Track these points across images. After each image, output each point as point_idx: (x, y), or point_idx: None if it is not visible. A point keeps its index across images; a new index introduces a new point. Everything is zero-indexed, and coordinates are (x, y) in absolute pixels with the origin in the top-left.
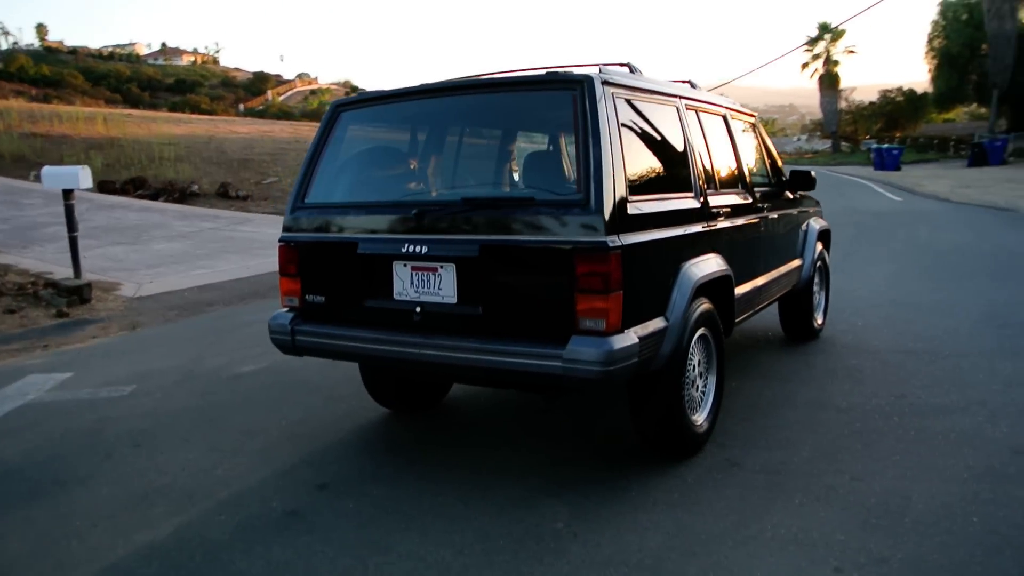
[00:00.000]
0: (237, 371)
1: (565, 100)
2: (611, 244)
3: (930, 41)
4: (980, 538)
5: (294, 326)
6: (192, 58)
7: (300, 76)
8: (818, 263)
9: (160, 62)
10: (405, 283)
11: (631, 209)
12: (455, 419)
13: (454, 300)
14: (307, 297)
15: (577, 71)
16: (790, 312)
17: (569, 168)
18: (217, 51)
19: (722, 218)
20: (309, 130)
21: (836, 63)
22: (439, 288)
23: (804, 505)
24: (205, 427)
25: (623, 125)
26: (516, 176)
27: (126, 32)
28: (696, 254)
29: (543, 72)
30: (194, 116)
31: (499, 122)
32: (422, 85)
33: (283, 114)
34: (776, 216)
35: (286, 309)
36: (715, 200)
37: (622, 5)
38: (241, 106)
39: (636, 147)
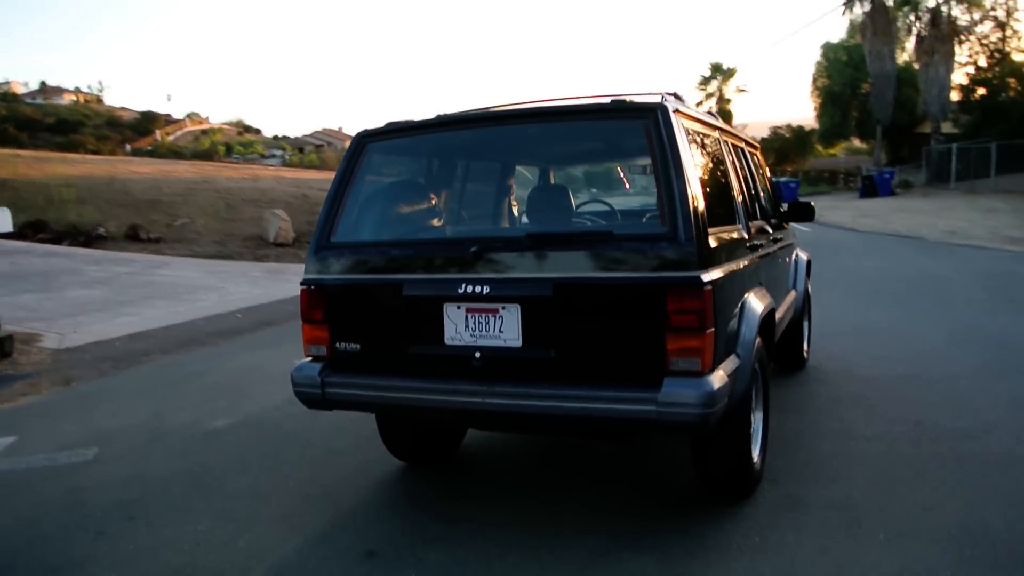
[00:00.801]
0: (210, 427)
1: (636, 129)
2: (704, 279)
3: (814, 80)
4: None
5: (324, 377)
6: (74, 97)
7: (190, 116)
8: (805, 293)
9: (39, 101)
10: (459, 327)
11: (711, 242)
12: (477, 470)
13: (518, 344)
14: (337, 345)
15: (632, 99)
16: (783, 342)
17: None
18: (101, 90)
19: (760, 249)
20: (214, 169)
21: (728, 101)
22: (500, 331)
23: (892, 542)
24: (203, 493)
25: (691, 155)
26: (574, 208)
27: None
28: (751, 287)
29: (607, 100)
30: (88, 156)
31: (556, 153)
32: (460, 114)
33: (174, 154)
34: (782, 247)
35: (309, 359)
36: (752, 231)
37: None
38: (128, 146)
39: (699, 178)
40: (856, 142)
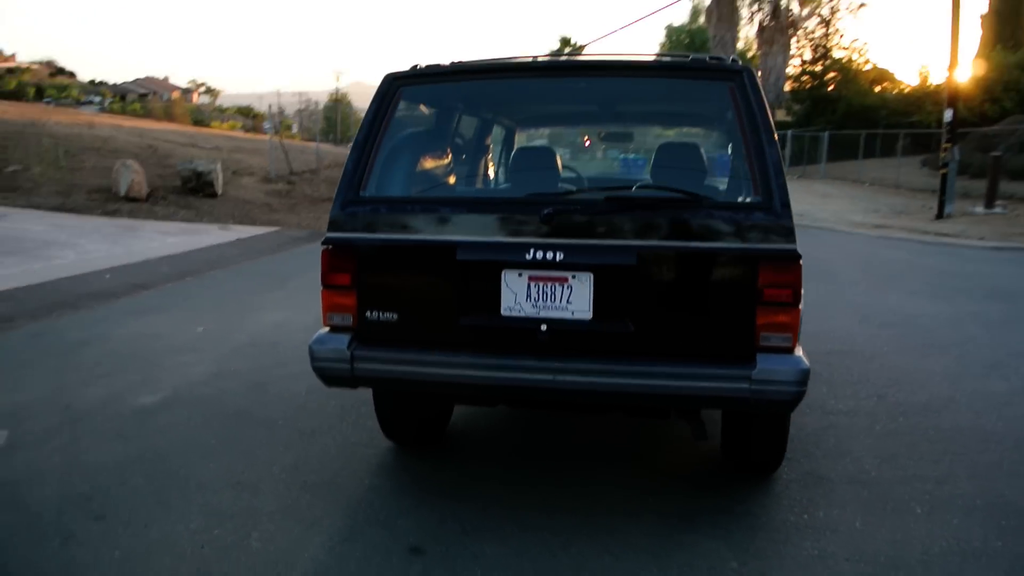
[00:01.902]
0: (136, 404)
1: (721, 91)
2: (799, 252)
3: None
4: None
5: (354, 351)
6: None
7: None
8: None
9: None
10: (519, 296)
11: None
12: (471, 451)
13: (588, 316)
14: (368, 314)
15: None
16: None
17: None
18: None
19: None
20: (40, 112)
21: None
22: (568, 302)
23: (931, 515)
24: (171, 484)
25: None
26: (648, 171)
27: None
28: None
29: (687, 57)
30: None
31: (633, 110)
32: (518, 61)
33: None
34: None
35: (327, 329)
36: None
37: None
38: None
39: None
40: None
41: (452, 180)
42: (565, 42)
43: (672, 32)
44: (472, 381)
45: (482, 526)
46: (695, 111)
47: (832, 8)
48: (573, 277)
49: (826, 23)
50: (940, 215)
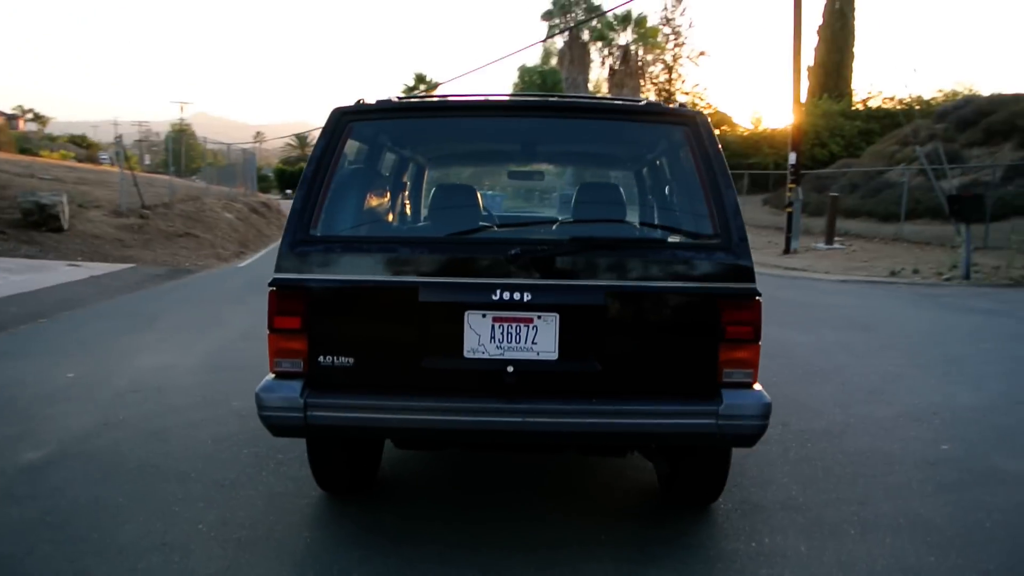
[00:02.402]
0: (22, 461)
1: (677, 135)
2: (758, 290)
3: None
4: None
5: (307, 399)
6: None
7: None
8: None
9: None
10: (482, 337)
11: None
12: (398, 494)
13: (554, 356)
14: (321, 359)
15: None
16: None
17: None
18: None
19: None
20: None
21: None
22: (533, 342)
23: (865, 536)
24: (87, 549)
25: None
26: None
27: None
28: None
29: (642, 102)
30: None
31: (579, 151)
32: (472, 99)
33: None
34: None
35: (273, 375)
36: None
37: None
38: None
39: None
40: None
41: (406, 219)
42: (420, 79)
43: (525, 72)
44: (438, 426)
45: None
46: (651, 153)
47: (674, 56)
48: (539, 318)
49: (669, 69)
50: (787, 250)
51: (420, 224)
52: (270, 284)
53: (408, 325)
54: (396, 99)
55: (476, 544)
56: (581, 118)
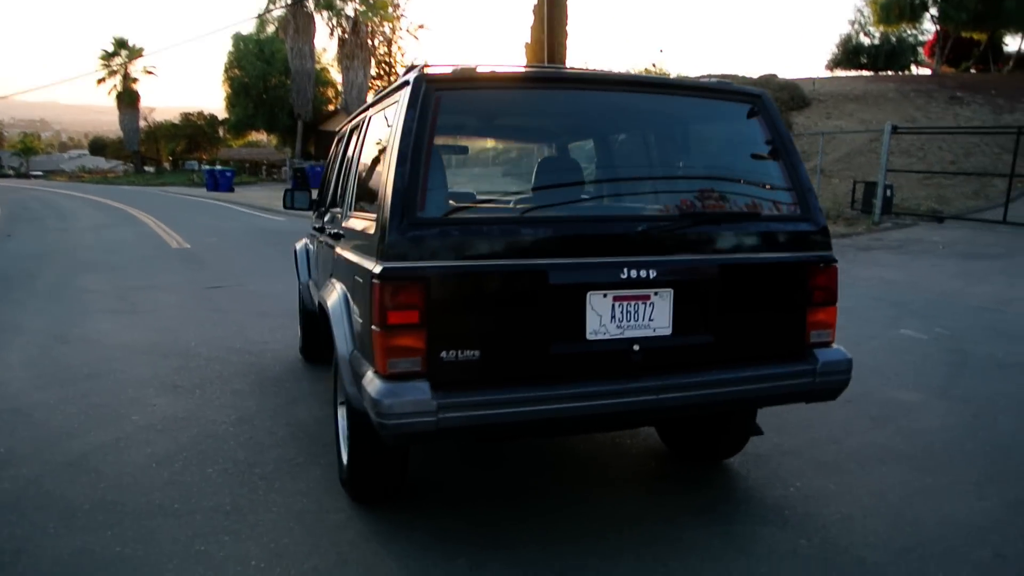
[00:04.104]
0: None
1: (749, 112)
2: (835, 256)
3: (227, 70)
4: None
5: (440, 400)
6: None
7: None
8: None
9: None
10: (603, 318)
11: None
12: (432, 496)
13: (669, 331)
14: (443, 355)
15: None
16: None
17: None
18: None
19: None
20: None
21: (135, 80)
22: (650, 319)
23: (864, 468)
24: None
25: None
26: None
27: None
28: None
29: (714, 80)
30: None
31: (661, 128)
32: (563, 71)
33: None
34: None
35: (390, 378)
36: None
37: None
38: None
39: None
40: (255, 135)
41: (508, 195)
42: (120, 44)
43: (240, 40)
44: (576, 413)
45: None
46: (726, 130)
47: (393, 28)
48: (655, 294)
49: (389, 42)
50: None
51: (530, 201)
52: (378, 276)
53: (535, 310)
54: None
55: (532, 541)
56: (665, 93)
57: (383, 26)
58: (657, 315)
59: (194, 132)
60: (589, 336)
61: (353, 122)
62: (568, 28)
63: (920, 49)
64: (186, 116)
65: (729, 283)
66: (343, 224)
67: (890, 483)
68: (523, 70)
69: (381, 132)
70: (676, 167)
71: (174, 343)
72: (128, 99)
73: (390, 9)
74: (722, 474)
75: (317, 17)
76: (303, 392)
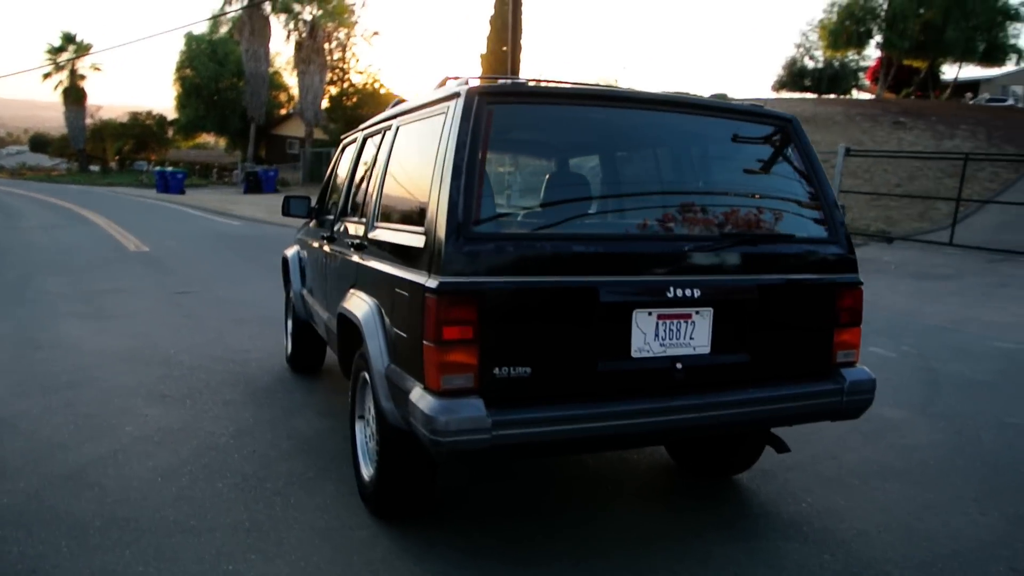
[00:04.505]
0: None
1: (778, 136)
2: (860, 279)
3: (178, 70)
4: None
5: (494, 417)
6: None
7: None
8: None
9: None
10: (647, 336)
11: None
12: (471, 514)
13: (708, 350)
14: (496, 372)
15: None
16: None
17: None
18: None
19: None
20: None
21: (83, 77)
22: (691, 337)
23: (868, 482)
24: None
25: None
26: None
27: None
28: None
29: (748, 104)
30: None
31: (708, 148)
32: (612, 89)
33: None
34: None
35: (443, 394)
36: None
37: None
38: None
39: None
40: (205, 136)
41: (558, 211)
42: (68, 39)
43: (192, 40)
44: (625, 431)
45: None
46: (757, 152)
47: (347, 34)
48: (697, 313)
49: (343, 47)
50: None
51: (579, 218)
52: (433, 291)
53: (584, 328)
54: (539, 85)
55: (564, 555)
56: (704, 115)
57: (338, 31)
58: (697, 334)
59: (142, 132)
60: (634, 354)
61: (369, 130)
62: (522, 41)
63: (861, 74)
64: (134, 115)
65: (765, 303)
66: (369, 235)
67: (894, 499)
68: (570, 87)
69: (422, 143)
70: (715, 187)
71: (153, 350)
72: (75, 96)
73: (347, 15)
74: (734, 489)
75: (273, 20)
76: (297, 404)
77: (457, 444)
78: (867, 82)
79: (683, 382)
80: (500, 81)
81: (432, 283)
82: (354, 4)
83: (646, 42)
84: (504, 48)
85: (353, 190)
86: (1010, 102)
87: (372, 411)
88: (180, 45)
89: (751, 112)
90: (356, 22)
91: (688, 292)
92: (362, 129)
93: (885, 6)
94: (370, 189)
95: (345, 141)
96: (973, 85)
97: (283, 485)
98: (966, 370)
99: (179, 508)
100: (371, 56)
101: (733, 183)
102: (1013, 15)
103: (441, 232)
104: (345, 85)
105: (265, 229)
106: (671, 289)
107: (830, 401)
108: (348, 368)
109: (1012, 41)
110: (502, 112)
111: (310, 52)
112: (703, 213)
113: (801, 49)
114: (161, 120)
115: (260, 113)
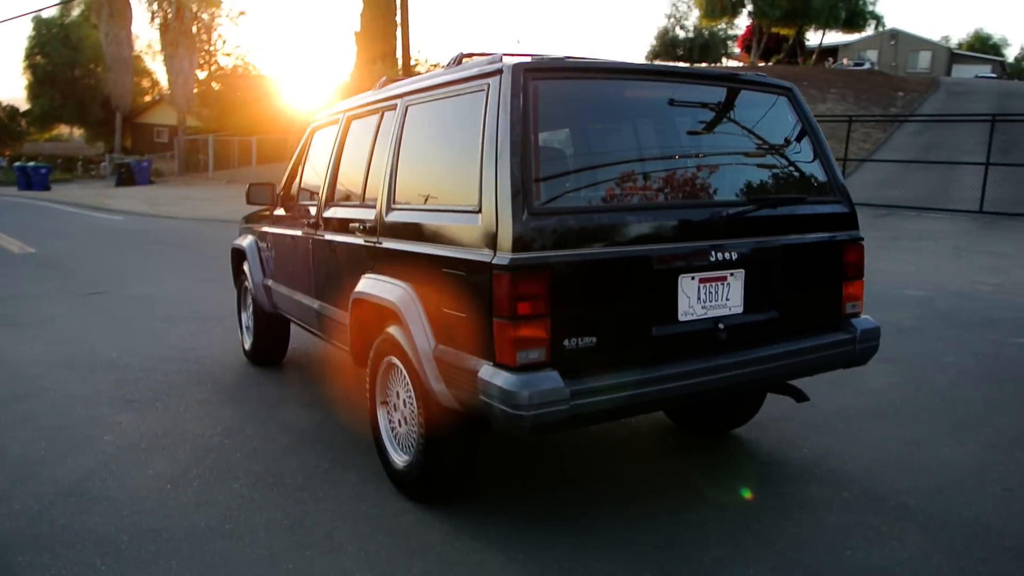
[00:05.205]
0: None
1: (782, 103)
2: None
3: (28, 57)
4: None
5: (572, 388)
6: None
7: None
8: None
9: None
10: (691, 299)
11: None
12: (509, 491)
13: (740, 309)
14: (566, 344)
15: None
16: None
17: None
18: None
19: None
20: None
21: None
22: (727, 299)
23: (851, 426)
24: None
25: None
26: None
27: None
28: None
29: (750, 73)
30: None
31: (728, 117)
32: (645, 65)
33: None
34: None
35: (520, 369)
36: None
37: None
38: None
39: None
40: (63, 128)
41: (605, 183)
42: None
43: (41, 25)
44: (682, 391)
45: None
46: (763, 119)
47: (211, 14)
48: (731, 275)
49: (208, 29)
50: None
51: (629, 189)
52: (504, 267)
53: (640, 295)
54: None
55: (626, 520)
56: (724, 85)
57: (203, 12)
58: (732, 294)
59: None
60: (681, 317)
61: (356, 111)
62: (397, 18)
63: (731, 43)
64: None
65: (787, 262)
66: (386, 219)
67: (880, 438)
68: (604, 62)
69: (454, 121)
70: (736, 154)
71: (92, 355)
72: None
73: None
74: (737, 443)
75: (134, 1)
76: (275, 397)
77: (540, 417)
78: (738, 50)
79: (725, 341)
80: (535, 56)
81: (502, 260)
82: None
83: (527, 13)
84: (381, 23)
85: (345, 174)
86: (867, 66)
87: (404, 395)
88: (28, 30)
89: (759, 82)
90: (219, 1)
91: (727, 255)
92: (343, 111)
93: None
94: (375, 172)
95: (315, 125)
96: (832, 51)
97: (303, 480)
98: (890, 318)
99: (206, 513)
100: (238, 37)
101: (750, 148)
102: None
103: (504, 209)
104: (213, 68)
105: (153, 223)
106: (713, 253)
107: (845, 350)
108: (362, 355)
109: (871, 8)
110: (546, 87)
111: (177, 34)
112: (731, 179)
113: (672, 19)
114: (12, 111)
115: (126, 101)
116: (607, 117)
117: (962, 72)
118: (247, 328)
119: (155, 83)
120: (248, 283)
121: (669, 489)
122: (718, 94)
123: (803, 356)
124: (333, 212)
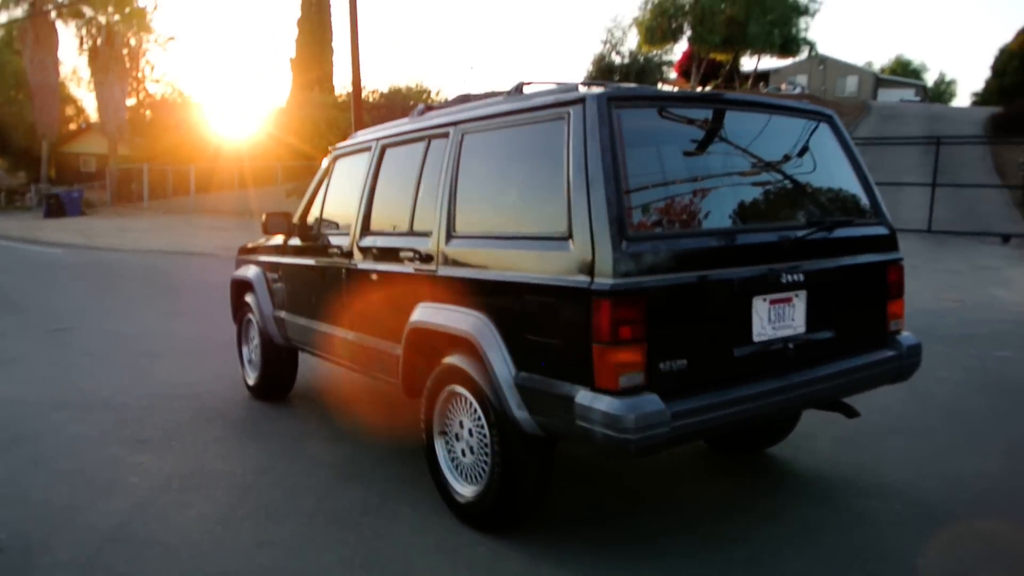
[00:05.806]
0: None
1: (824, 128)
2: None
3: None
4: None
5: (671, 410)
6: None
7: None
8: None
9: None
10: (763, 320)
11: None
12: (562, 518)
13: (803, 329)
14: (661, 366)
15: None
16: None
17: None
18: None
19: None
20: None
21: None
22: (792, 319)
23: (877, 441)
24: None
25: None
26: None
27: None
28: None
29: (793, 100)
30: None
31: (784, 143)
32: (704, 92)
33: None
34: None
35: (622, 393)
36: None
37: None
38: None
39: None
40: None
41: (684, 209)
42: None
43: None
44: (764, 410)
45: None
46: (808, 145)
47: (139, 39)
48: (796, 296)
49: (135, 55)
50: None
51: (710, 214)
52: (606, 293)
53: (723, 317)
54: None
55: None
56: (774, 113)
57: (131, 38)
58: (796, 315)
59: None
60: (755, 338)
61: (392, 139)
62: (333, 45)
63: (667, 68)
64: None
65: (843, 282)
66: (444, 248)
67: (905, 451)
68: (680, 91)
69: (529, 150)
70: (791, 177)
71: (81, 394)
72: None
73: (145, 18)
74: (775, 461)
75: (60, 26)
76: (295, 432)
77: (645, 440)
78: (675, 75)
79: (793, 360)
80: (611, 86)
81: (602, 285)
82: (147, 7)
83: (468, 41)
84: (316, 49)
85: (385, 203)
86: (798, 90)
87: (469, 424)
88: None
89: (805, 109)
90: (151, 27)
91: (795, 277)
92: (375, 139)
93: (694, 3)
94: (425, 200)
95: (338, 153)
96: (765, 76)
97: (358, 515)
98: None
99: (270, 554)
100: (166, 64)
101: (802, 172)
102: (803, 11)
103: (602, 236)
104: (142, 96)
105: (95, 255)
106: (783, 275)
107: (892, 367)
108: (416, 386)
109: (803, 35)
110: (628, 115)
111: (108, 60)
112: (789, 201)
113: (607, 45)
114: None
115: (53, 129)
116: (681, 143)
117: (887, 96)
118: (249, 362)
119: (80, 111)
120: (253, 315)
121: (727, 508)
122: (772, 120)
123: (858, 373)
124: (372, 241)
